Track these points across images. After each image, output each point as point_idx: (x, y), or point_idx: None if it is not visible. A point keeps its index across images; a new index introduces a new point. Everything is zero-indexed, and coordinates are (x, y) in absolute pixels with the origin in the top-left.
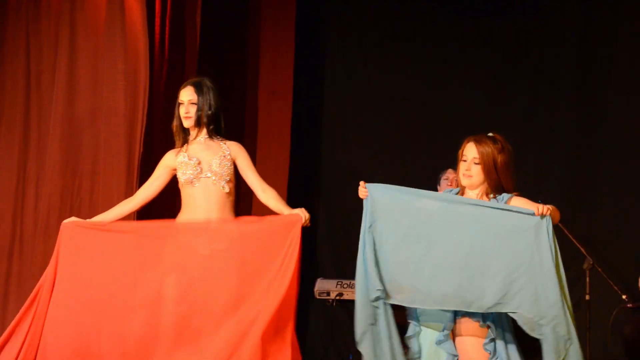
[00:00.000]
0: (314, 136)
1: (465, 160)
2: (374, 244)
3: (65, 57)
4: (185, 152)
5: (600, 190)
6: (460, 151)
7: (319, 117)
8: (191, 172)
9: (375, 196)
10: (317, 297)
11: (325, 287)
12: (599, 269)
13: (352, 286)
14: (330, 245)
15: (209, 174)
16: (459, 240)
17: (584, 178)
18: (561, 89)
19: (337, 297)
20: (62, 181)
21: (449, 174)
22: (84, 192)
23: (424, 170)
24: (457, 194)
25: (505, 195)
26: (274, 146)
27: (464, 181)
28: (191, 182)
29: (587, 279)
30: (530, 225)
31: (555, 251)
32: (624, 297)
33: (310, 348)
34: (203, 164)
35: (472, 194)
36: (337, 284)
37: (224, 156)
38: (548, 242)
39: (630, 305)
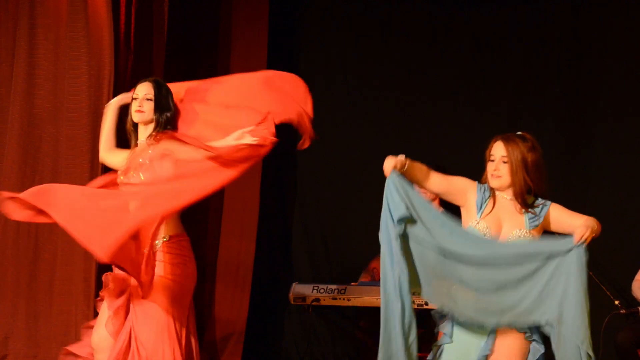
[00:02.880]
0: (288, 135)
1: (493, 160)
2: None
3: (25, 47)
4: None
5: (591, 189)
6: (487, 151)
7: None
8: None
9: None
10: (293, 302)
11: (301, 292)
12: (590, 273)
13: (328, 291)
14: (306, 249)
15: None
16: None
17: (574, 176)
18: (549, 84)
19: (314, 303)
20: (20, 179)
21: None
22: None
23: None
24: (489, 197)
25: (545, 204)
26: None
27: (492, 182)
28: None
29: None
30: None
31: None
32: (616, 302)
33: (285, 355)
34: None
35: (505, 196)
36: (314, 289)
37: (145, 159)
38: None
39: (624, 311)
